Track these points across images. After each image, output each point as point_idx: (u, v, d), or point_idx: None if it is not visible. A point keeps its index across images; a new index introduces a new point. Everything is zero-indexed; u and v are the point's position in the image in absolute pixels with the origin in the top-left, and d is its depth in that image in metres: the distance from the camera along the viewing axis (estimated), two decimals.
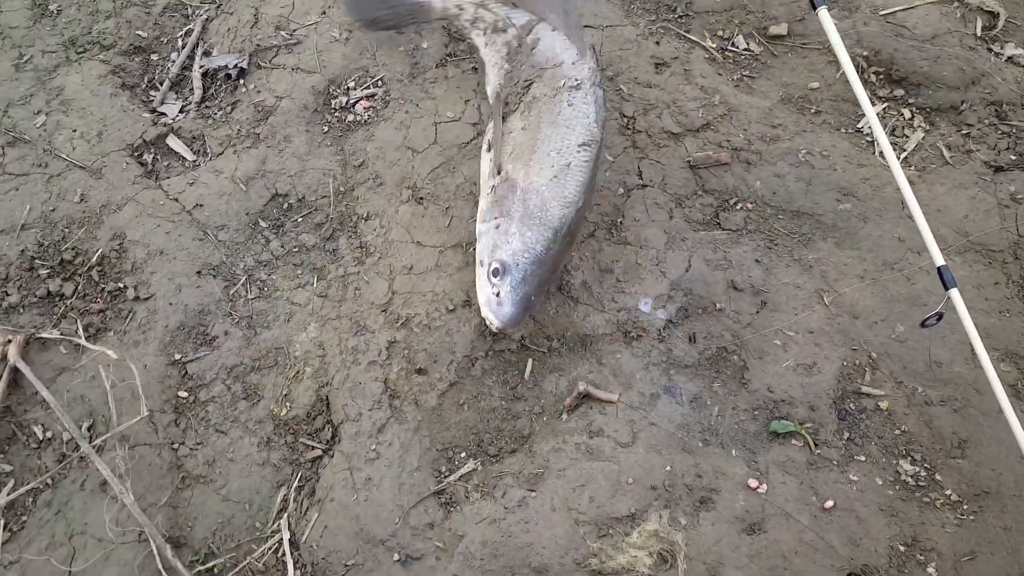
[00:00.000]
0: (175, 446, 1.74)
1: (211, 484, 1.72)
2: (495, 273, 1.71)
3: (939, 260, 1.65)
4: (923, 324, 1.66)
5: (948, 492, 1.71)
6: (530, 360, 1.86)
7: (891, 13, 2.37)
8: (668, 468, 1.71)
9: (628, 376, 1.84)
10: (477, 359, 1.85)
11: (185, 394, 1.80)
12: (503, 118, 1.91)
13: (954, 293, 1.62)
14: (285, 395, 1.81)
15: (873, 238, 2.02)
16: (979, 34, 2.35)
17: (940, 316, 1.63)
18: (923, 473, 1.74)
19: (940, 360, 1.85)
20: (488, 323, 1.74)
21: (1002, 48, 2.34)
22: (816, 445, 1.75)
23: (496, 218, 1.79)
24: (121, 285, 1.93)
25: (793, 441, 1.76)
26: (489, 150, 1.92)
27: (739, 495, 1.69)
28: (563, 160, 1.80)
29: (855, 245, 2.01)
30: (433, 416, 1.78)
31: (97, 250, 1.97)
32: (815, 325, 1.90)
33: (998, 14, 2.39)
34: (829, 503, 1.68)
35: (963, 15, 2.39)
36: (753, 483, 1.70)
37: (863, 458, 1.75)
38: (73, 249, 1.97)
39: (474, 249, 1.95)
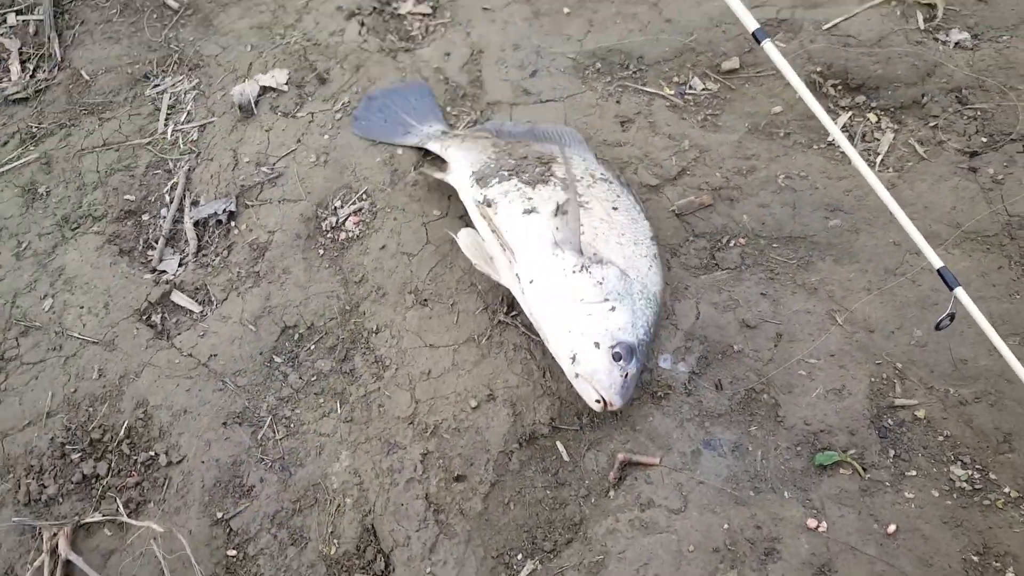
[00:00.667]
0: None
1: None
2: (619, 357, 1.65)
3: (937, 263, 1.59)
4: (937, 327, 1.59)
5: (1007, 490, 1.61)
6: (559, 443, 1.78)
7: (834, 25, 2.34)
8: (726, 526, 1.62)
9: (665, 437, 1.76)
10: (512, 452, 1.78)
11: (234, 552, 1.72)
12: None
13: (959, 292, 1.56)
14: (331, 532, 1.72)
15: (869, 248, 1.95)
16: (922, 27, 2.32)
17: (952, 316, 1.57)
18: (976, 475, 1.64)
19: (964, 357, 1.76)
20: (609, 405, 1.65)
21: (947, 36, 2.30)
22: (865, 470, 1.66)
23: (607, 299, 1.71)
24: (152, 453, 1.86)
25: (841, 470, 1.67)
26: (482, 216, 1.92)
27: (801, 538, 1.59)
28: (649, 249, 1.85)
29: (854, 259, 1.94)
30: (481, 522, 1.69)
31: (123, 423, 1.91)
32: (834, 347, 1.82)
33: (935, 4, 2.36)
34: (891, 527, 1.58)
35: (903, 12, 2.36)
36: (812, 523, 1.61)
37: (914, 472, 1.65)
38: (100, 427, 1.91)
39: (485, 338, 1.89)
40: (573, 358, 1.68)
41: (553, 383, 1.85)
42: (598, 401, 1.65)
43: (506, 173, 1.98)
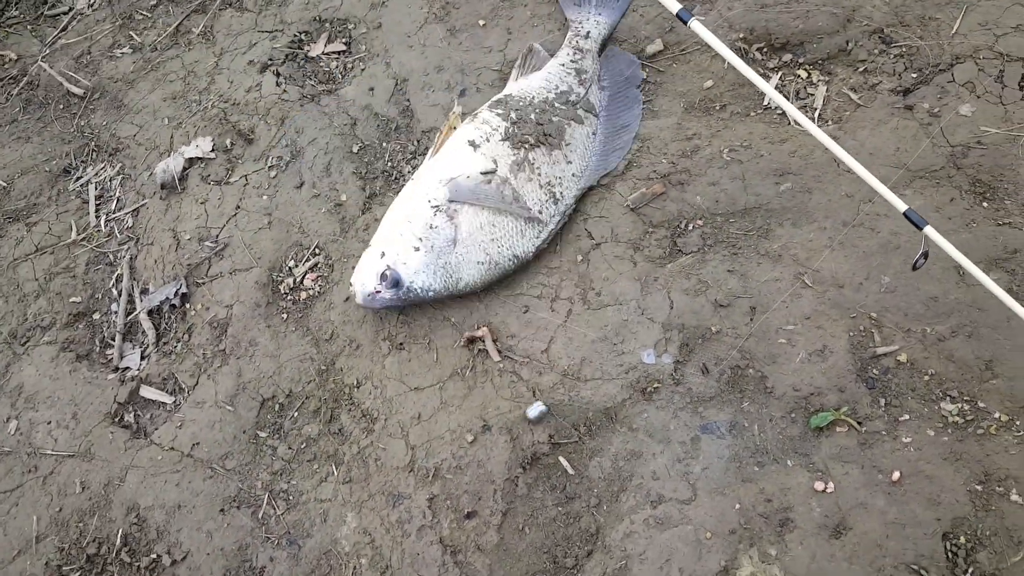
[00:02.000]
0: None
1: None
2: (384, 277, 2.05)
3: (901, 206, 1.73)
4: (914, 267, 1.75)
5: (997, 415, 1.78)
6: (561, 458, 1.91)
7: None
8: (737, 506, 1.76)
9: (663, 431, 1.90)
10: (518, 477, 1.90)
11: None
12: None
13: (929, 230, 1.71)
14: None
15: (824, 205, 2.11)
16: None
17: (926, 255, 1.72)
18: (966, 407, 1.80)
19: (934, 295, 1.93)
20: (351, 291, 2.10)
21: None
22: (860, 423, 1.81)
23: (420, 240, 2.10)
24: (155, 555, 1.96)
25: (838, 429, 1.82)
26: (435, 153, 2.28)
27: (812, 503, 1.74)
28: (491, 267, 2.14)
29: (810, 219, 2.10)
30: (500, 553, 1.82)
31: (118, 531, 2.00)
32: (808, 309, 1.97)
33: None
34: (895, 475, 1.74)
35: None
36: (819, 486, 1.75)
37: (907, 416, 1.81)
38: (95, 541, 2.00)
39: (469, 369, 2.02)
40: (380, 250, 2.12)
41: (544, 399, 1.98)
42: (350, 285, 2.11)
43: (503, 121, 2.24)
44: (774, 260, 2.07)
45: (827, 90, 2.32)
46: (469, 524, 1.85)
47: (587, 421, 1.95)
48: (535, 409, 1.94)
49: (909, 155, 2.12)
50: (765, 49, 2.41)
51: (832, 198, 2.12)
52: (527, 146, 2.21)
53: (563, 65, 2.40)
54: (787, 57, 2.40)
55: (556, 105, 2.31)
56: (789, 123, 2.28)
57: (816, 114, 2.28)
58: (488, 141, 2.22)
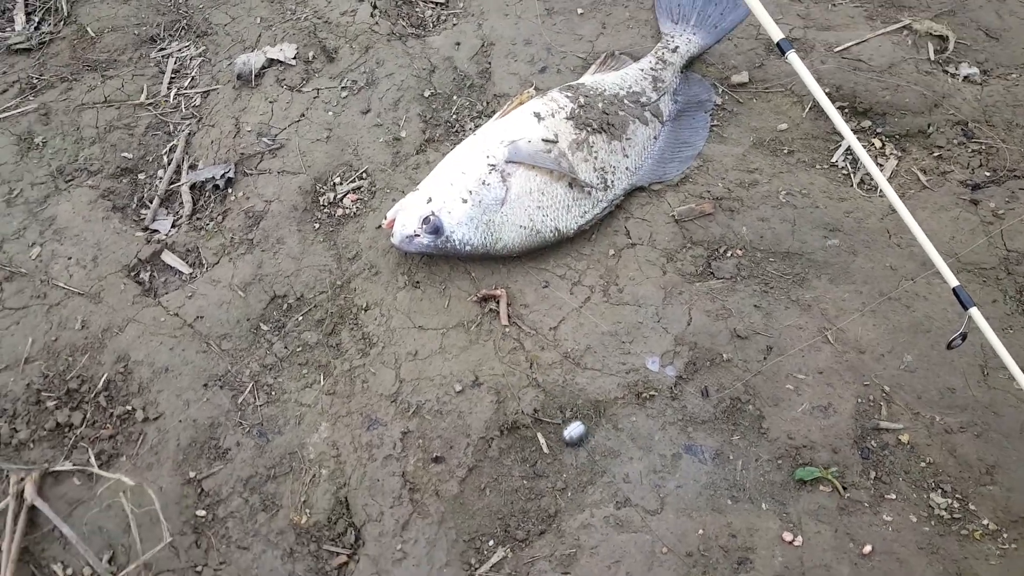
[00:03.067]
0: (199, 569, 1.63)
1: None
2: (427, 221, 1.90)
3: (953, 281, 1.59)
4: (949, 346, 1.59)
5: (985, 522, 1.61)
6: (540, 435, 1.76)
7: (845, 49, 2.35)
8: (700, 532, 1.61)
9: (647, 439, 1.75)
10: (493, 439, 1.76)
11: (203, 512, 1.69)
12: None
13: (975, 312, 1.56)
14: (304, 501, 1.70)
15: (865, 270, 1.96)
16: (933, 58, 2.33)
17: (965, 336, 1.57)
18: (956, 504, 1.64)
19: (953, 386, 1.77)
20: (388, 231, 1.96)
21: (957, 69, 2.32)
22: (845, 488, 1.66)
23: (469, 193, 1.95)
24: (129, 408, 1.83)
25: (821, 487, 1.66)
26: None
27: (776, 551, 1.58)
28: (535, 234, 2.01)
29: (849, 279, 1.95)
30: (456, 505, 1.67)
31: (102, 375, 1.88)
32: (823, 365, 1.82)
33: (947, 37, 2.37)
34: (867, 548, 1.58)
35: (914, 42, 2.37)
36: (788, 536, 1.60)
37: (893, 496, 1.65)
38: (79, 377, 1.88)
39: (475, 324, 1.89)
40: (428, 195, 1.97)
41: (540, 375, 1.84)
42: (384, 220, 1.99)
43: (571, 103, 2.12)
44: (803, 308, 1.91)
45: (897, 165, 2.17)
46: (434, 468, 1.71)
47: (575, 407, 1.81)
48: (575, 429, 1.75)
49: (963, 247, 1.96)
50: (847, 109, 2.25)
51: (876, 266, 1.96)
52: (589, 129, 2.08)
53: (643, 70, 2.26)
54: (866, 123, 2.25)
55: (626, 102, 2.18)
56: (852, 185, 2.13)
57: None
58: (553, 117, 2.09)
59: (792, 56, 1.76)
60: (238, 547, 1.65)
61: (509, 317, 1.94)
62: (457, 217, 1.94)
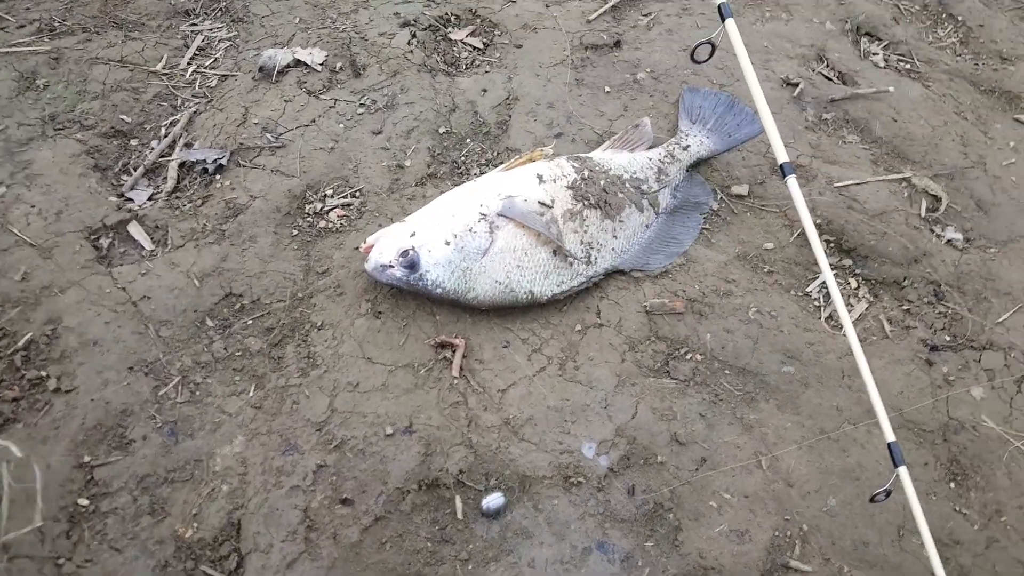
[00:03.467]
0: (60, 562, 1.45)
1: None
2: (404, 253, 1.80)
3: (890, 436, 1.50)
4: (872, 499, 1.50)
5: None
6: (458, 498, 1.62)
7: (845, 186, 2.29)
8: None
9: (563, 525, 1.61)
10: (409, 492, 1.61)
11: (86, 502, 1.52)
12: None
13: (903, 471, 1.47)
14: (195, 514, 1.53)
15: (813, 404, 1.86)
16: (923, 215, 2.28)
17: (888, 493, 1.48)
18: None
19: (867, 540, 1.65)
20: (364, 255, 1.84)
21: (943, 231, 2.26)
22: None
23: (453, 236, 1.84)
24: (44, 374, 1.66)
25: None
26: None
27: None
28: (552, 273, 1.92)
29: (795, 410, 1.84)
30: (351, 554, 1.51)
31: (27, 334, 1.71)
32: (751, 489, 1.70)
33: (941, 198, 2.32)
34: None
35: (910, 195, 2.32)
36: None
37: None
38: (1, 330, 1.71)
39: (425, 369, 1.76)
40: (413, 229, 1.87)
41: (475, 435, 1.70)
42: (364, 244, 1.87)
43: (575, 173, 2.03)
44: (745, 428, 1.80)
45: (867, 309, 2.08)
46: (340, 510, 1.56)
47: (501, 477, 1.67)
48: (495, 500, 1.61)
49: (909, 404, 1.87)
50: (833, 244, 2.18)
51: (824, 403, 1.86)
52: (586, 202, 1.99)
53: (651, 159, 2.18)
54: (848, 262, 2.17)
55: (627, 186, 2.09)
56: (820, 318, 2.04)
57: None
58: (555, 182, 2.00)
59: (792, 181, 1.68)
60: (111, 547, 1.47)
61: (461, 369, 1.81)
62: (436, 257, 1.83)
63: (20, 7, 2.42)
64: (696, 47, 2.11)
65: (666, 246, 2.09)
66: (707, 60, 2.09)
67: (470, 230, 1.87)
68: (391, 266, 1.80)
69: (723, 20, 2.01)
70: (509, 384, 1.79)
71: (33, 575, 1.42)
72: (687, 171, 2.22)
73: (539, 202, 1.95)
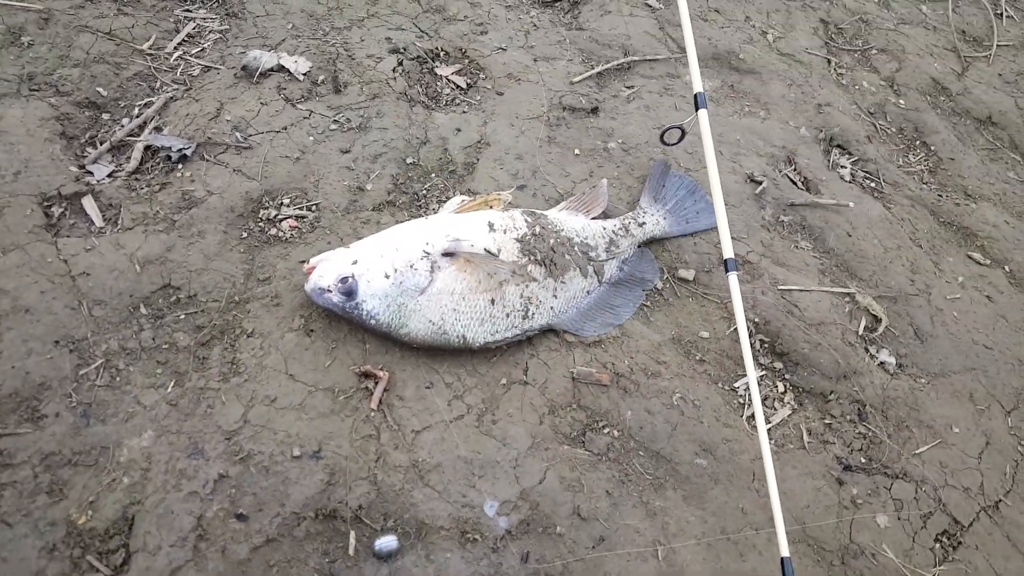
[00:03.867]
0: None
1: None
2: (343, 280, 1.92)
3: (784, 551, 1.63)
4: None
5: None
6: (352, 535, 1.73)
7: (788, 290, 2.47)
8: None
9: None
10: (305, 519, 1.72)
11: None
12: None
13: None
14: (91, 502, 1.62)
15: (719, 502, 2.00)
16: (860, 332, 2.46)
17: None
18: None
19: None
20: (306, 273, 1.95)
21: (877, 352, 2.44)
22: None
23: (394, 271, 1.97)
24: None
25: None
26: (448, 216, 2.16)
27: None
28: (488, 321, 2.05)
29: (701, 504, 1.99)
30: (236, 571, 1.61)
31: None
32: None
33: (881, 320, 2.51)
34: None
35: (851, 311, 2.51)
36: None
37: None
38: None
39: (345, 395, 1.87)
40: (355, 257, 1.99)
41: (381, 472, 1.82)
42: (308, 263, 1.98)
43: (526, 228, 2.17)
44: (648, 514, 1.94)
45: (789, 415, 2.25)
46: (233, 524, 1.66)
47: (400, 520, 1.78)
48: (388, 543, 1.71)
49: (814, 519, 2.03)
50: (767, 344, 2.35)
51: (730, 502, 2.01)
52: (531, 258, 2.14)
53: (605, 229, 2.35)
54: (779, 365, 2.34)
55: (576, 250, 2.25)
56: (741, 416, 2.20)
57: (767, 427, 2.19)
58: (505, 233, 2.15)
59: (733, 278, 1.85)
60: (2, 520, 1.56)
61: (380, 403, 1.93)
62: (373, 289, 1.95)
63: None
64: (666, 130, 2.29)
65: (604, 315, 2.25)
66: (676, 143, 2.27)
67: (411, 266, 2.00)
68: (329, 290, 1.92)
69: (696, 109, 2.21)
70: (424, 426, 1.91)
71: None
72: (639, 246, 2.38)
73: (485, 249, 2.09)
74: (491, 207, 2.24)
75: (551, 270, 2.17)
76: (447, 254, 2.04)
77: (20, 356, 1.75)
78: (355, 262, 1.97)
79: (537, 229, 2.19)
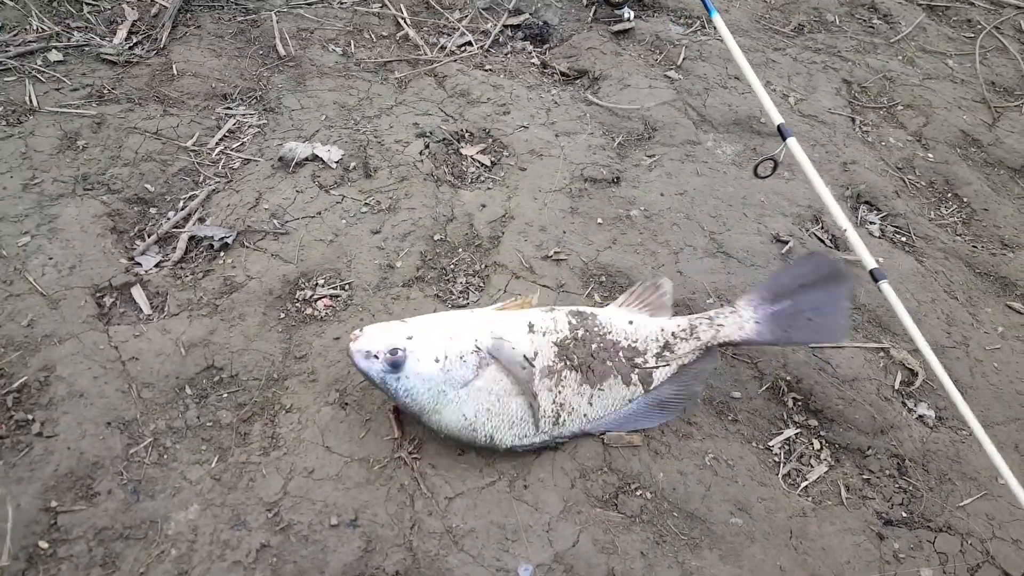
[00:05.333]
0: None
1: None
2: (394, 352, 2.00)
3: None
4: None
5: None
6: None
7: (821, 347, 2.58)
8: None
9: None
10: None
11: (46, 545, 1.79)
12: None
13: None
14: (142, 573, 1.79)
15: (756, 560, 2.08)
16: (897, 387, 2.54)
17: None
18: None
19: None
20: (351, 348, 2.01)
21: (915, 405, 2.52)
22: None
23: (444, 357, 2.05)
24: (30, 417, 1.98)
25: None
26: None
27: None
28: (517, 425, 2.12)
29: (738, 563, 2.07)
30: None
31: (22, 377, 2.04)
32: None
33: (917, 373, 2.60)
34: None
35: (886, 366, 2.60)
36: None
37: None
38: (1, 370, 2.04)
39: (380, 465, 2.03)
40: (411, 333, 2.07)
41: (416, 539, 1.96)
42: (358, 329, 2.06)
43: (568, 331, 2.21)
44: (684, 574, 2.03)
45: (826, 472, 2.33)
46: None
47: None
48: (525, 571, 1.90)
49: (855, 575, 2.09)
50: (800, 402, 2.45)
51: (767, 560, 2.08)
52: (568, 363, 2.18)
53: (663, 331, 2.28)
54: (813, 422, 2.43)
55: (620, 355, 2.22)
56: (777, 474, 2.29)
57: (803, 484, 2.28)
58: (544, 336, 2.18)
59: (885, 285, 1.97)
60: None
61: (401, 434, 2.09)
62: (420, 368, 2.01)
63: (77, 72, 2.89)
64: (760, 162, 2.45)
65: (644, 419, 2.25)
66: (769, 176, 2.41)
67: (461, 358, 2.08)
68: (376, 356, 1.98)
69: (784, 139, 2.39)
70: (458, 493, 2.06)
71: None
72: (705, 352, 2.30)
73: (523, 355, 2.14)
74: (531, 305, 2.27)
75: (588, 377, 2.19)
76: (491, 354, 2.11)
77: (75, 438, 1.97)
78: (411, 337, 2.06)
79: (580, 333, 2.21)
